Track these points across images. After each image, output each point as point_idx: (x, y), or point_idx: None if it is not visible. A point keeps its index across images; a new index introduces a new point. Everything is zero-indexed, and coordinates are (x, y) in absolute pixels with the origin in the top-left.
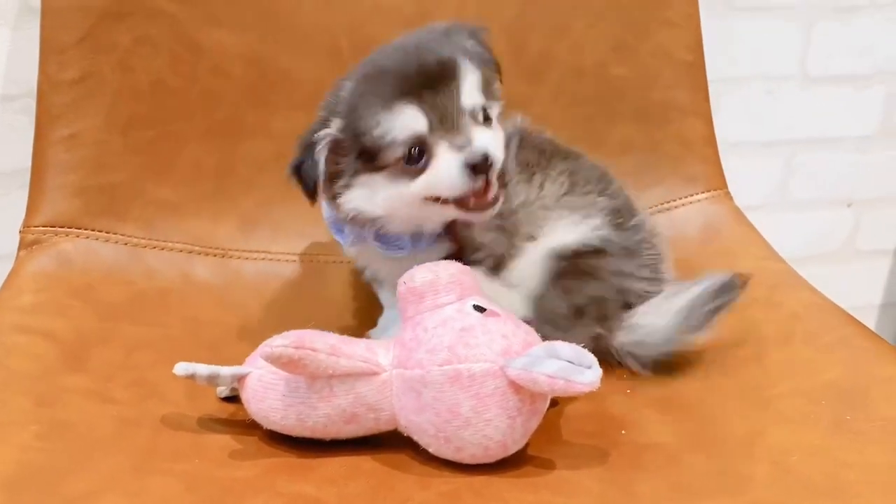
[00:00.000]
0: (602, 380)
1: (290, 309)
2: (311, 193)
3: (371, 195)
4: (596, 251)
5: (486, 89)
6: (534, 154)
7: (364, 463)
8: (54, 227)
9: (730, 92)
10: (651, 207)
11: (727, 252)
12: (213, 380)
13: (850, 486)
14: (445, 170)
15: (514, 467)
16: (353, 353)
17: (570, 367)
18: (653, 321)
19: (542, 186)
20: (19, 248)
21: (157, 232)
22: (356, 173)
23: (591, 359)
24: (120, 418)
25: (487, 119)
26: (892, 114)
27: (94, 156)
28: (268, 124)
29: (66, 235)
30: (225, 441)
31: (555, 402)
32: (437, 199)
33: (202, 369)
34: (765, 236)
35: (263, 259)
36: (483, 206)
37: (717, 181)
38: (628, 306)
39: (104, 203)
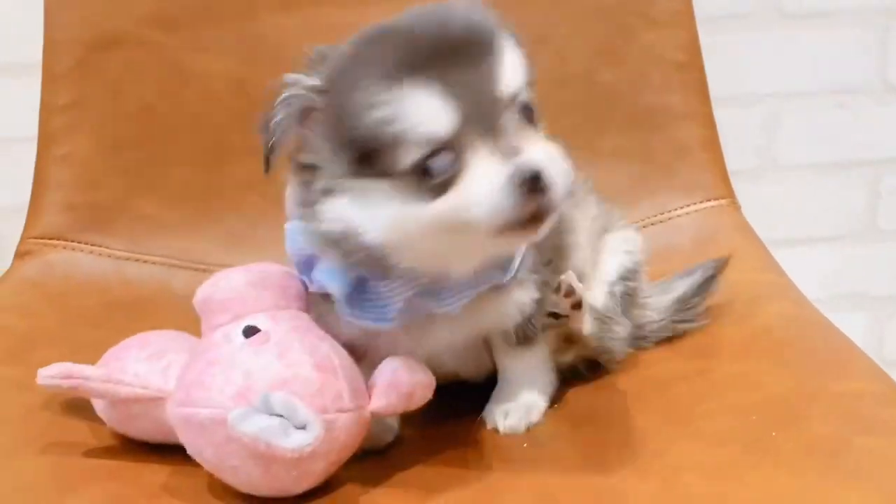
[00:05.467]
0: None
1: None
2: (266, 161)
3: (365, 210)
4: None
5: (530, 83)
6: None
7: None
8: (44, 238)
9: (793, 108)
10: (645, 219)
11: None
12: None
13: None
14: (483, 187)
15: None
16: (132, 379)
17: (275, 427)
18: (649, 316)
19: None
20: (14, 258)
21: (141, 246)
22: (343, 175)
23: (306, 417)
24: (24, 405)
25: (532, 121)
26: None
27: (84, 174)
28: (253, 146)
29: (54, 247)
30: (100, 431)
31: None
32: (465, 228)
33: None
34: (844, 274)
35: None
36: (528, 234)
37: (720, 189)
38: None
39: (91, 218)
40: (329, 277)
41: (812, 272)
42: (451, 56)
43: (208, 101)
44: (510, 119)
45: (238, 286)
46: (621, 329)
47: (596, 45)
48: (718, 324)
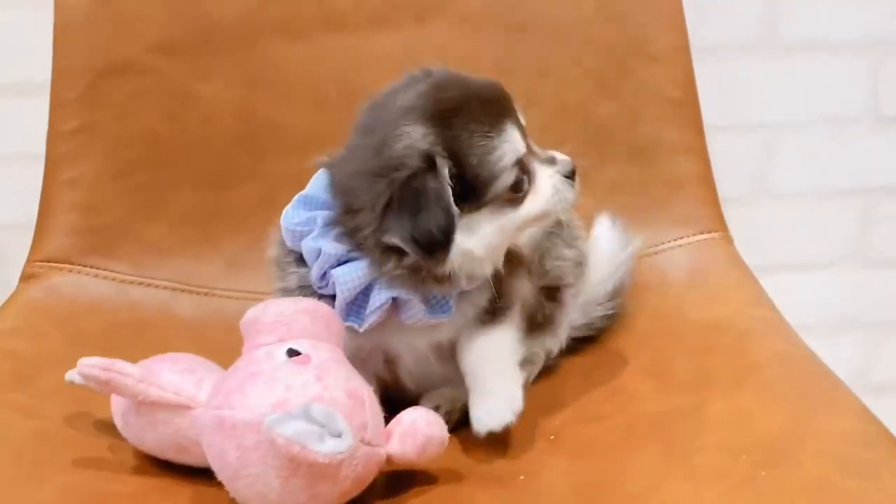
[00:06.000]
0: (524, 423)
1: None
2: (443, 246)
3: (474, 237)
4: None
5: None
6: None
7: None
8: (50, 262)
9: (787, 136)
10: (639, 251)
11: (708, 297)
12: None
13: None
14: (550, 187)
15: None
16: (166, 384)
17: (313, 431)
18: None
19: None
20: (19, 281)
21: (145, 270)
22: (458, 218)
23: (343, 427)
24: (33, 431)
25: None
26: None
27: (89, 198)
28: (256, 171)
29: (60, 270)
30: (110, 455)
31: None
32: (535, 221)
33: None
34: (836, 299)
35: (247, 298)
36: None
37: (712, 223)
38: None
39: (96, 242)
40: (347, 280)
41: (804, 297)
42: (508, 107)
43: (212, 127)
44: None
45: (286, 312)
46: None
47: (595, 80)
48: (710, 358)
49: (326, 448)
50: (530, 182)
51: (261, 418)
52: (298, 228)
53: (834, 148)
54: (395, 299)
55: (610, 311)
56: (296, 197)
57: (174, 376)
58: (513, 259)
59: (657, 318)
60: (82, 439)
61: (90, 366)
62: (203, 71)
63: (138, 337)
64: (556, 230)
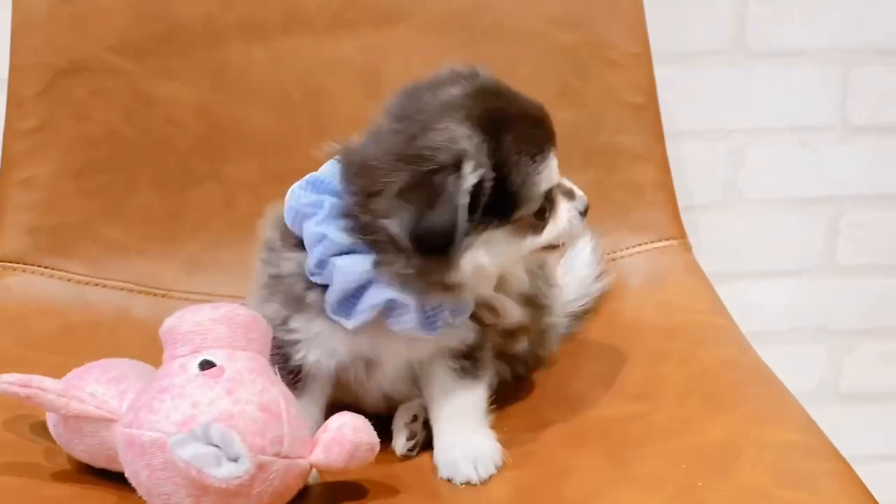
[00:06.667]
0: None
1: None
2: (439, 250)
3: (490, 253)
4: None
5: None
6: None
7: None
8: (3, 262)
9: (757, 144)
10: None
11: (663, 304)
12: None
13: None
14: (568, 220)
15: None
16: (88, 397)
17: (209, 454)
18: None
19: None
20: None
21: (102, 271)
22: (479, 231)
23: (240, 451)
24: None
25: None
26: None
27: (46, 198)
28: (218, 172)
29: (14, 271)
30: (44, 461)
31: None
32: (545, 250)
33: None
34: (805, 307)
35: (205, 301)
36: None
37: (671, 230)
38: None
39: (52, 242)
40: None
41: (773, 305)
42: (552, 132)
43: (173, 128)
44: None
45: (202, 321)
46: (550, 301)
47: (557, 85)
48: (662, 366)
49: (222, 473)
50: (551, 211)
51: (166, 438)
52: (304, 209)
53: (803, 156)
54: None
55: (563, 331)
56: (305, 177)
57: (99, 387)
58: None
59: (613, 325)
60: (17, 443)
61: (8, 383)
62: (165, 71)
63: (91, 339)
64: (538, 270)
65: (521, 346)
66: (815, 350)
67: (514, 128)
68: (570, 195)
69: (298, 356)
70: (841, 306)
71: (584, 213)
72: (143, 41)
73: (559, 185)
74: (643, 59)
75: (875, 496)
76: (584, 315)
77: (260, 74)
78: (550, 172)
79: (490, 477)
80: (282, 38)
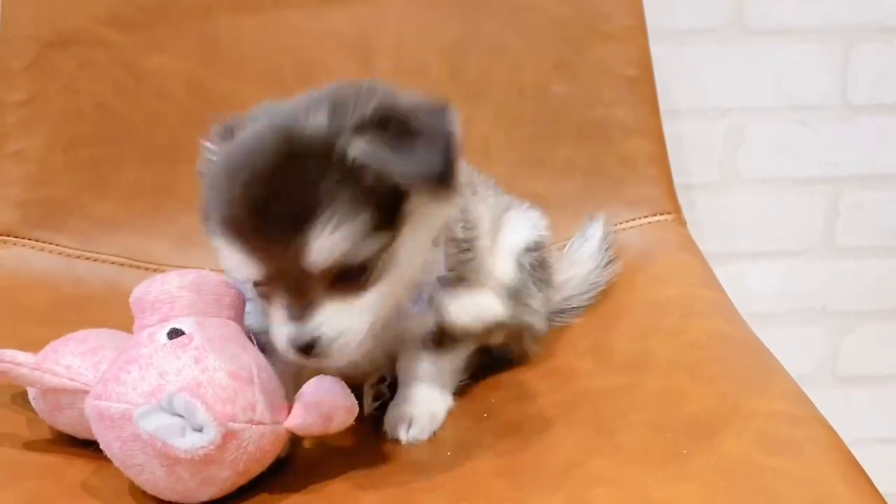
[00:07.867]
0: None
1: None
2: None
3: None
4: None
5: (374, 230)
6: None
7: None
8: None
9: (755, 123)
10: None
11: (656, 278)
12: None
13: None
14: (275, 333)
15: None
16: (61, 372)
17: (174, 425)
18: (575, 273)
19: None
20: None
21: (93, 244)
22: None
23: (203, 420)
24: None
25: (363, 273)
26: None
27: (36, 171)
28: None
29: (4, 244)
30: (27, 431)
31: None
32: None
33: None
34: (804, 288)
35: None
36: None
37: (666, 204)
38: None
39: (43, 215)
40: None
41: (771, 286)
42: (262, 227)
43: (163, 101)
44: (315, 286)
45: (170, 289)
46: (536, 302)
47: (551, 58)
48: (651, 338)
49: (186, 444)
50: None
51: (133, 409)
52: None
53: (802, 135)
54: None
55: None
56: None
57: (75, 359)
58: None
59: (604, 298)
60: (10, 409)
61: None
62: (155, 44)
63: (82, 312)
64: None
65: (496, 339)
66: (813, 332)
67: (217, 187)
68: (297, 318)
69: None
70: (839, 288)
71: (303, 351)
72: (132, 13)
73: (282, 293)
74: (637, 31)
75: (872, 478)
76: (585, 311)
77: (251, 47)
78: (230, 258)
79: (417, 441)
80: (272, 10)
